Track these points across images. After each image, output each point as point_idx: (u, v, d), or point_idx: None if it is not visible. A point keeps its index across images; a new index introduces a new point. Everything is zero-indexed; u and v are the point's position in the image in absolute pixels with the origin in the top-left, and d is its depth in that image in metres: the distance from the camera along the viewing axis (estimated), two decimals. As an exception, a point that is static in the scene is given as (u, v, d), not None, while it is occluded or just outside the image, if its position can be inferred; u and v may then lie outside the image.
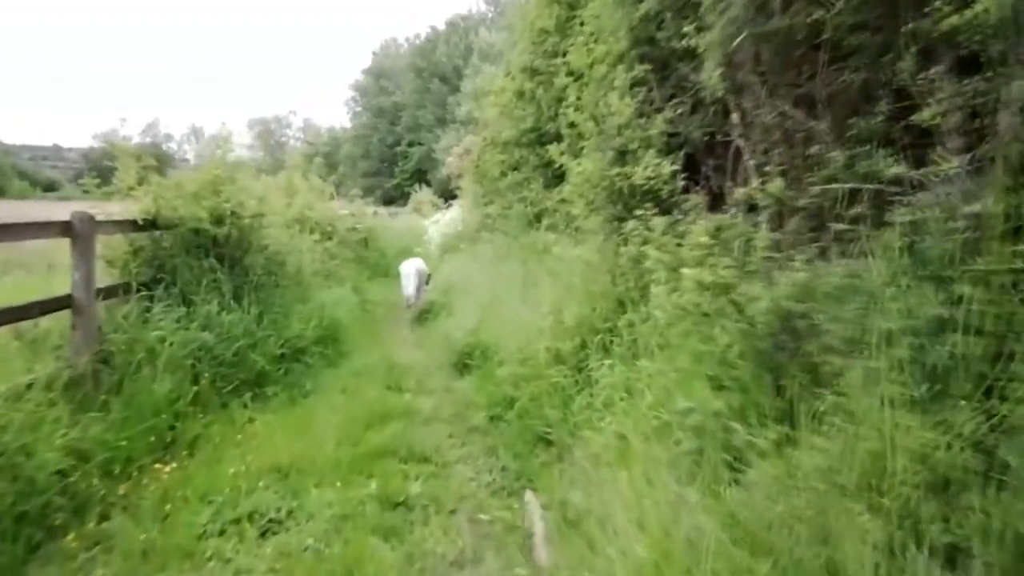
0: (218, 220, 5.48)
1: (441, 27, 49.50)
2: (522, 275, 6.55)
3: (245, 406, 4.83)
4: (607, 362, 4.20)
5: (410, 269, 8.77)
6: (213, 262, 5.30)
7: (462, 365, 6.00)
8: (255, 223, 5.80)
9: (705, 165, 4.66)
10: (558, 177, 8.08)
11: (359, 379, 5.54)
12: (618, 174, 4.90)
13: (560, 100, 7.69)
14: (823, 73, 2.93)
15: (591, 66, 5.92)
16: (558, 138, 7.76)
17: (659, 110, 4.97)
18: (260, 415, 4.75)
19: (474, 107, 14.41)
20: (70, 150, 70.51)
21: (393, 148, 48.19)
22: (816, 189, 2.76)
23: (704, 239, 3.35)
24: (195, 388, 4.54)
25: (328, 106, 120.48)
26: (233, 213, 5.59)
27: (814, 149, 2.86)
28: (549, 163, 8.27)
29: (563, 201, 7.51)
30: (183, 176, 5.37)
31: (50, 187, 55.84)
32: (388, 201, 38.11)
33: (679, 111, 4.84)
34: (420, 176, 39.89)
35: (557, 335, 4.75)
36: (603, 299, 4.69)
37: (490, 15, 47.04)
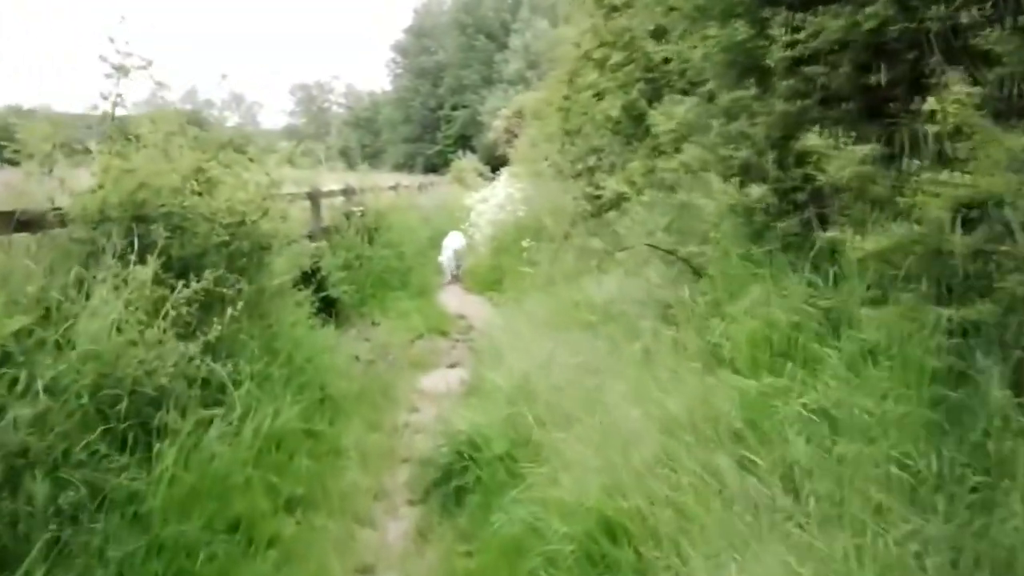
0: None
1: (487, -20, 44.03)
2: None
3: None
4: None
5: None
6: None
7: None
8: None
9: None
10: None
11: None
12: None
13: None
14: None
15: None
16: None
17: None
18: None
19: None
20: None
21: (435, 112, 44.14)
22: None
23: None
24: None
25: (371, 69, 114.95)
26: None
27: None
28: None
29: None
30: None
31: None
32: (430, 169, 34.88)
33: None
34: (464, 142, 36.52)
35: None
36: None
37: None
